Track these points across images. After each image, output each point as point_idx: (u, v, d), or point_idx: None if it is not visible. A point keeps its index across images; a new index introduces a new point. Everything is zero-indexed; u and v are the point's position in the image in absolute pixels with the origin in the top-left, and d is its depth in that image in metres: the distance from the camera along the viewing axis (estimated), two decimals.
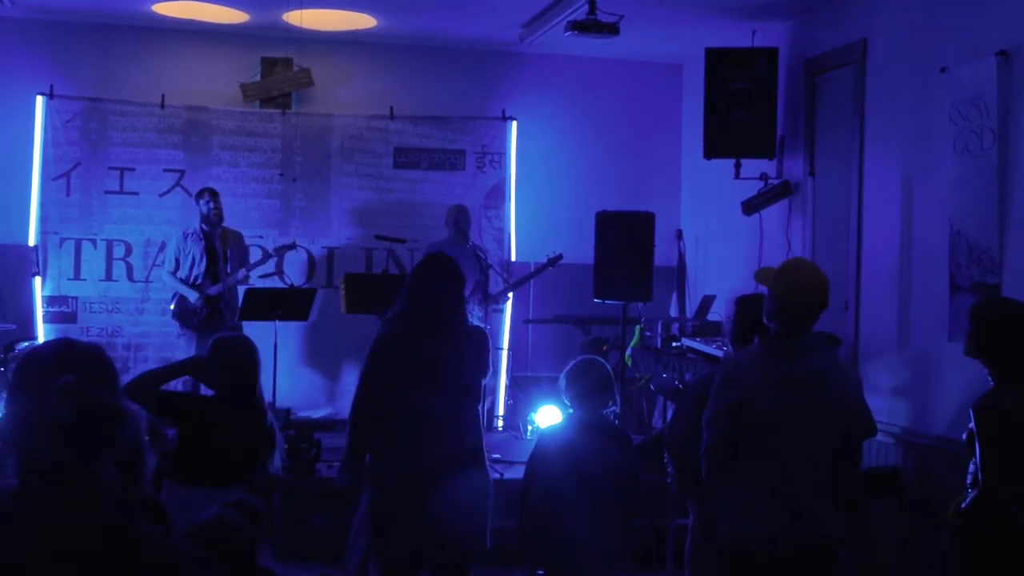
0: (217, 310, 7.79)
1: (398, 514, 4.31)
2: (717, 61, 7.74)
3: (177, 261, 7.93)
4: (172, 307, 7.91)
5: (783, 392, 3.69)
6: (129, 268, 8.64)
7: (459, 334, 4.39)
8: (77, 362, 2.16)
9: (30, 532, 2.00)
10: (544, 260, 8.22)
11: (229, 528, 2.98)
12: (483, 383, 4.50)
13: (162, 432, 6.85)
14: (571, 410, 4.70)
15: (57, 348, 2.24)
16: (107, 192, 8.64)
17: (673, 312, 9.01)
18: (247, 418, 4.47)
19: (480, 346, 4.45)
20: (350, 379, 8.83)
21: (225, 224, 8.00)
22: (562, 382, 4.68)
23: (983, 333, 4.06)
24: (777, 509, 3.68)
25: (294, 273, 8.76)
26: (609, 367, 4.78)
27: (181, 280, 7.88)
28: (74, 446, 2.04)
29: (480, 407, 4.61)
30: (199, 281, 7.83)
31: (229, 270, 7.86)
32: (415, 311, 4.39)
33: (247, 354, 4.54)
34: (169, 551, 2.12)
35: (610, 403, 4.74)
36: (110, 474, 2.10)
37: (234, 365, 4.48)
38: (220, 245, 7.87)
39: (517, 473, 4.88)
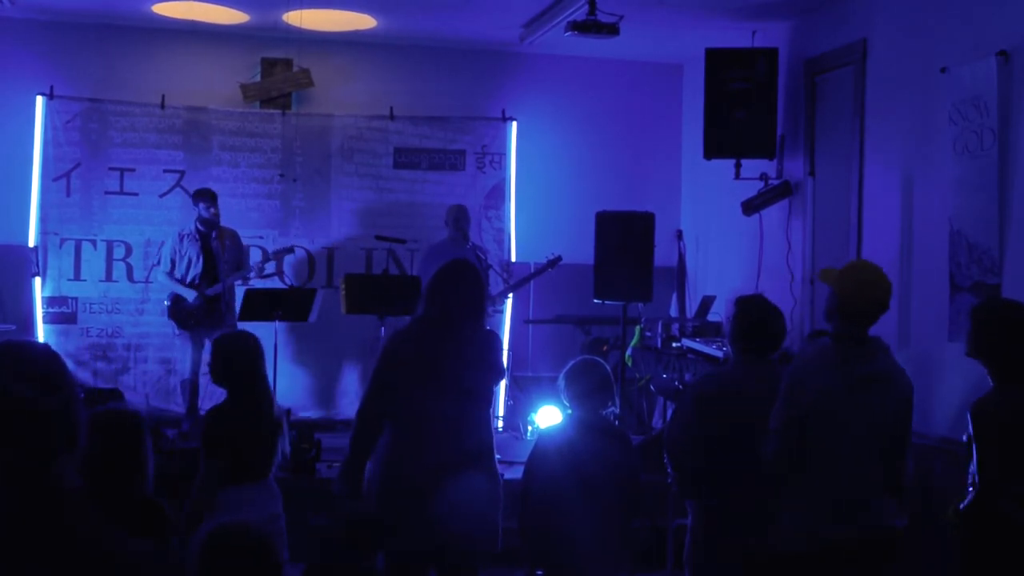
0: (216, 310, 7.79)
1: (404, 515, 4.31)
2: (717, 61, 7.74)
3: (173, 262, 7.91)
4: (167, 303, 7.89)
5: (857, 393, 3.79)
6: (129, 269, 8.64)
7: (469, 337, 4.39)
8: (4, 361, 2.16)
9: None
10: (544, 261, 8.22)
11: (250, 534, 2.96)
12: (494, 386, 4.48)
13: (162, 432, 6.87)
14: (570, 410, 4.70)
15: None
16: (107, 192, 8.64)
17: (673, 312, 9.01)
18: (262, 410, 4.51)
19: (488, 349, 4.44)
20: (350, 379, 8.84)
21: (221, 223, 7.99)
22: (561, 382, 4.68)
23: (983, 333, 4.07)
24: (846, 507, 3.80)
25: (294, 273, 8.77)
26: (608, 367, 4.78)
27: (177, 280, 7.86)
28: (8, 449, 2.04)
29: (490, 409, 4.60)
30: (197, 282, 7.82)
31: (226, 269, 7.85)
32: (429, 315, 4.40)
33: (249, 347, 4.56)
34: (120, 551, 2.11)
35: (609, 403, 4.73)
36: (70, 473, 2.09)
37: (237, 361, 4.51)
38: (218, 246, 7.86)
39: (517, 473, 4.88)
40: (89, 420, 3.31)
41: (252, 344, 4.58)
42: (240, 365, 4.50)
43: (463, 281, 4.42)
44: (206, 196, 7.90)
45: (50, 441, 2.08)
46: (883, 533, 3.89)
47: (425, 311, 4.42)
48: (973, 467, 4.04)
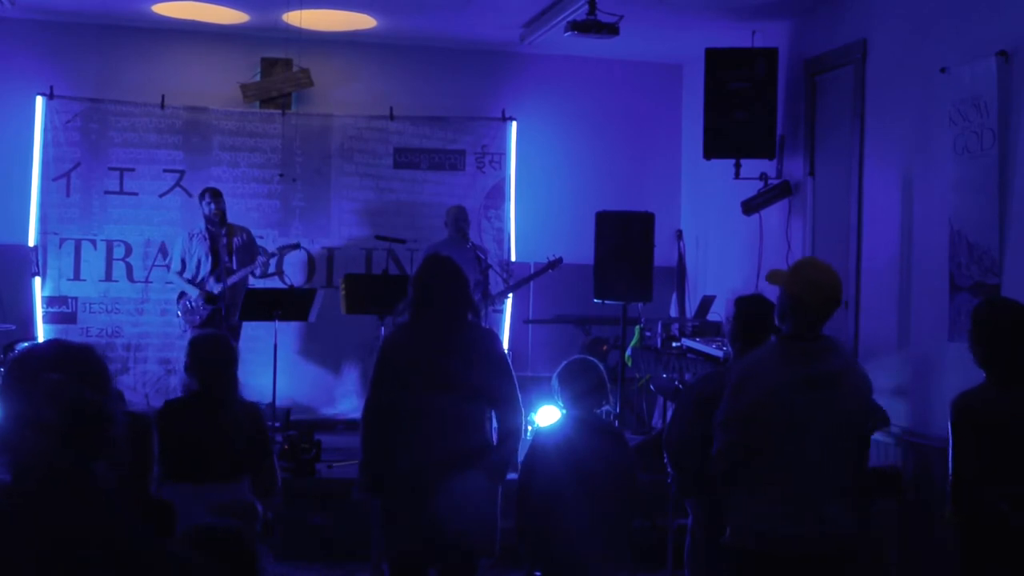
0: (218, 309, 7.78)
1: (403, 512, 4.32)
2: (717, 61, 7.74)
3: (183, 261, 7.93)
4: (179, 305, 7.93)
5: (805, 392, 3.71)
6: (129, 268, 8.64)
7: (464, 335, 4.39)
8: (65, 362, 2.17)
9: (23, 530, 2.01)
10: (544, 262, 8.22)
11: (226, 534, 2.97)
12: (503, 386, 4.42)
13: None
14: (565, 410, 4.70)
15: (47, 349, 2.25)
16: (107, 192, 8.64)
17: (673, 312, 9.01)
18: (226, 413, 4.50)
19: (485, 347, 4.43)
20: (350, 379, 8.83)
21: (232, 221, 7.98)
22: (555, 383, 4.67)
23: (983, 332, 4.05)
24: (796, 509, 3.70)
25: (294, 273, 8.76)
26: (601, 366, 4.77)
27: (188, 281, 7.88)
28: (63, 445, 2.05)
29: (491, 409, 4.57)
30: (204, 280, 7.83)
31: (235, 267, 7.84)
32: (418, 314, 4.41)
33: (219, 351, 4.59)
34: (160, 553, 2.12)
35: (603, 402, 4.73)
36: (106, 474, 2.10)
37: (207, 362, 4.54)
38: (226, 244, 7.85)
39: (516, 473, 4.87)
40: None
41: (220, 347, 4.61)
42: (203, 366, 4.52)
43: (443, 277, 4.43)
44: (207, 192, 7.92)
45: (98, 439, 2.08)
46: (832, 539, 3.75)
47: (412, 312, 4.43)
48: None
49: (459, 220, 8.23)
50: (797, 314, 3.80)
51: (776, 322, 3.89)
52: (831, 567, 3.77)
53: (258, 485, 4.51)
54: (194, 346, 4.63)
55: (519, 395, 4.43)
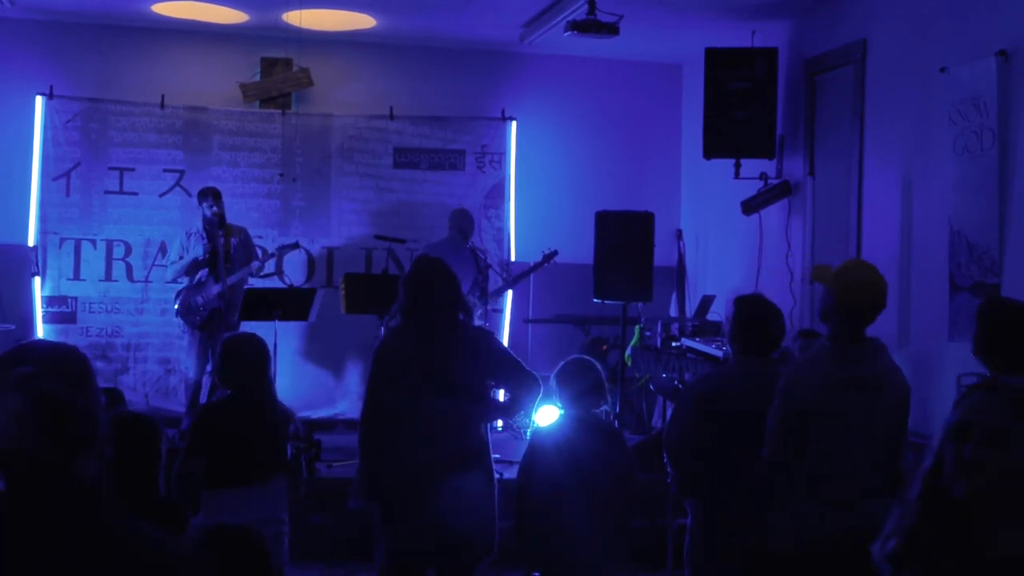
0: (218, 308, 7.77)
1: (401, 514, 4.32)
2: (717, 61, 7.74)
3: (181, 259, 7.91)
4: (176, 306, 7.90)
5: (854, 394, 3.75)
6: (129, 268, 8.64)
7: (457, 336, 4.39)
8: (36, 357, 2.16)
9: (5, 530, 2.00)
10: (540, 258, 8.22)
11: (237, 534, 2.96)
12: (516, 371, 4.43)
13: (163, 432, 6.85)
14: (564, 410, 4.70)
15: (20, 346, 2.25)
16: (107, 192, 8.64)
17: (673, 312, 9.02)
18: (263, 413, 4.50)
19: (484, 346, 4.44)
20: (350, 379, 8.83)
21: (229, 221, 7.96)
22: (553, 384, 4.67)
23: (991, 333, 4.05)
24: (841, 508, 3.74)
25: (294, 273, 8.76)
26: (599, 366, 4.77)
27: (186, 278, 7.84)
28: (43, 440, 2.03)
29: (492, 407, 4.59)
30: (203, 281, 7.80)
31: (233, 267, 7.83)
32: (409, 317, 4.42)
33: (254, 351, 4.58)
34: (157, 550, 2.10)
35: (602, 402, 4.73)
36: (92, 472, 2.08)
37: (242, 362, 4.52)
38: (223, 244, 7.84)
39: (516, 474, 4.87)
40: (110, 424, 3.33)
41: (256, 346, 4.60)
42: (242, 366, 4.51)
43: (432, 277, 4.43)
44: (208, 195, 7.87)
45: (73, 435, 2.07)
46: (873, 537, 3.85)
47: (403, 314, 4.44)
48: None
49: (463, 225, 8.19)
50: (842, 316, 3.82)
51: (819, 318, 3.92)
52: (867, 567, 3.81)
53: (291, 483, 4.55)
54: (226, 349, 4.59)
55: (531, 371, 4.44)
